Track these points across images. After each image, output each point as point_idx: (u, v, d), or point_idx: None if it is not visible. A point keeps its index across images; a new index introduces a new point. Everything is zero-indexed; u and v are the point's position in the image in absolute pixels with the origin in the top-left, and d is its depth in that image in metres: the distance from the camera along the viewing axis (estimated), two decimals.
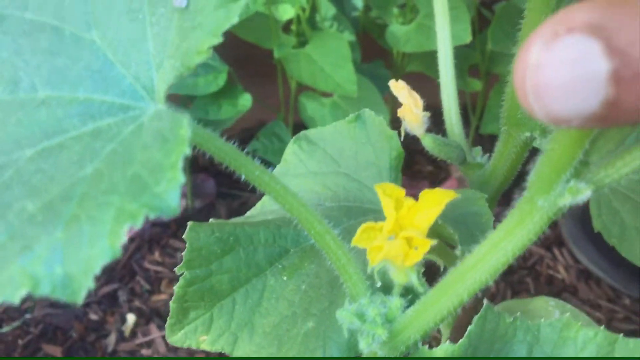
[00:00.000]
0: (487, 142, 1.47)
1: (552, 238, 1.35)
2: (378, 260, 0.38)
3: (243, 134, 1.45)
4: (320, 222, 0.42)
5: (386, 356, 0.42)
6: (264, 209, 0.64)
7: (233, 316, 0.50)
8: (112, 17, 0.38)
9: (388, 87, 0.57)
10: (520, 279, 1.27)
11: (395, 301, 0.40)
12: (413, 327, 0.40)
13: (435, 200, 0.38)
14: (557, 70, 0.21)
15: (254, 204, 1.53)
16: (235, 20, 0.33)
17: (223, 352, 0.50)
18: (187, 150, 0.28)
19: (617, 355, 0.42)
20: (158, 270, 1.24)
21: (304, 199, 0.62)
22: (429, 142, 0.63)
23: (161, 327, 1.13)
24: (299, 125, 1.29)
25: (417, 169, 1.52)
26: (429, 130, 0.63)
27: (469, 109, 1.40)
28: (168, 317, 0.50)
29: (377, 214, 0.60)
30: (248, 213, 0.63)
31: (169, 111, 0.33)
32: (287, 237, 0.54)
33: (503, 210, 0.43)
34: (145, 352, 1.09)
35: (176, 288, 0.49)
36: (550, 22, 0.21)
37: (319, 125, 1.20)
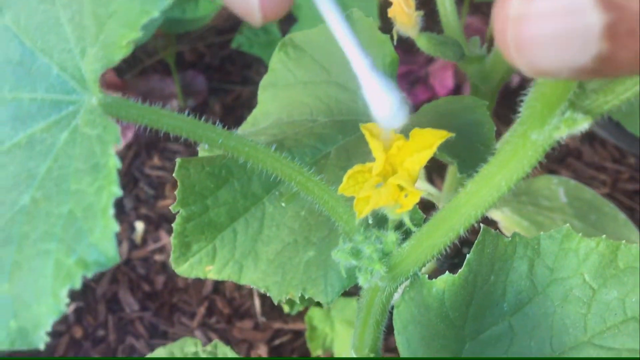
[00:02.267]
0: (485, 7, 1.39)
1: None
2: (366, 212, 0.37)
3: (226, 24, 1.38)
4: (300, 171, 0.40)
5: (387, 287, 0.42)
6: (255, 126, 0.61)
7: (236, 245, 0.50)
8: None
9: None
10: None
11: (391, 235, 0.39)
12: (410, 260, 0.40)
13: (426, 142, 0.36)
14: (542, 22, 0.19)
15: (247, 97, 1.48)
16: (155, 14, 0.29)
17: (230, 279, 0.51)
18: (118, 192, 0.27)
19: (619, 263, 0.41)
20: (159, 175, 1.24)
21: (296, 113, 0.60)
22: (424, 43, 0.59)
23: (171, 232, 1.14)
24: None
25: (412, 41, 1.46)
26: (423, 29, 0.59)
27: None
28: (171, 252, 0.50)
29: None
30: (239, 131, 0.60)
31: (102, 115, 0.31)
32: None
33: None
34: (158, 257, 1.12)
35: (174, 225, 0.48)
36: None
37: (303, 10, 1.13)
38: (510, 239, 0.41)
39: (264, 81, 0.63)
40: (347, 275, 0.45)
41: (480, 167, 0.38)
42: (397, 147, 0.36)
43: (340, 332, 0.99)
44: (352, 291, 1.09)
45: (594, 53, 0.18)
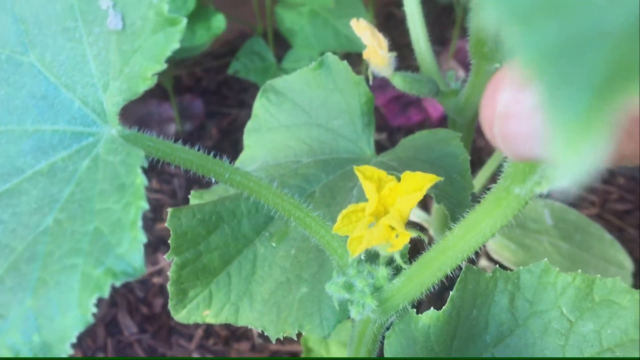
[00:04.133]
0: None
1: None
2: (359, 251, 0.39)
3: (222, 49, 1.41)
4: (299, 206, 0.43)
5: (377, 319, 0.44)
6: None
7: (231, 288, 0.52)
8: (47, 37, 0.36)
9: None
10: None
11: (382, 270, 0.42)
12: (400, 294, 0.42)
13: (417, 185, 0.39)
14: (522, 122, 0.21)
15: (243, 121, 1.51)
16: (176, 46, 0.32)
17: (228, 322, 0.53)
18: (145, 205, 0.29)
19: (595, 296, 0.44)
20: (157, 197, 1.26)
21: (280, 156, 0.62)
22: (399, 82, 0.62)
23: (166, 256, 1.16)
24: (280, 38, 1.26)
25: (405, 64, 1.49)
26: (399, 67, 0.62)
27: None
28: (169, 299, 0.52)
29: (355, 163, 0.60)
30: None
31: (123, 143, 0.33)
32: None
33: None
34: (156, 280, 1.14)
35: (170, 273, 0.50)
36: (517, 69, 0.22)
37: (299, 37, 1.16)
38: (491, 274, 0.44)
39: (249, 126, 0.66)
40: (340, 308, 0.47)
41: (457, 198, 0.40)
42: (389, 188, 0.39)
43: (336, 354, 1.00)
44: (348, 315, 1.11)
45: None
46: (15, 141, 0.34)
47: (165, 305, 1.12)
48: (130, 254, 0.28)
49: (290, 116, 0.64)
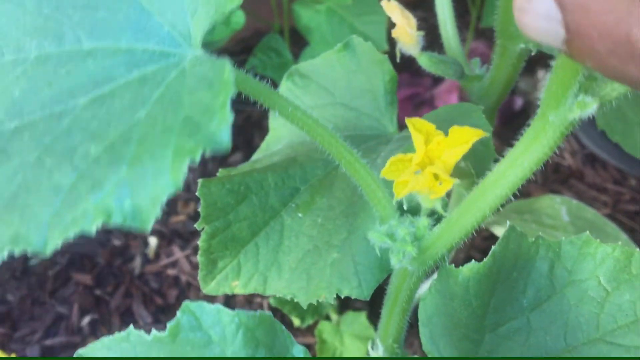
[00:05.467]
0: (489, 32, 1.44)
1: None
2: (403, 194, 0.41)
3: (237, 47, 1.43)
4: (350, 151, 0.44)
5: (415, 271, 0.45)
6: (268, 150, 0.65)
7: (259, 259, 0.53)
8: None
9: None
10: None
11: (423, 221, 0.43)
12: (440, 243, 0.43)
13: (464, 138, 0.40)
14: (534, 17, 0.27)
15: (257, 118, 1.52)
16: None
17: (256, 292, 0.53)
18: (234, 91, 0.31)
19: (633, 268, 0.44)
20: None
21: (305, 135, 0.63)
22: (425, 61, 0.63)
23: (183, 247, 1.17)
24: (296, 35, 1.27)
25: (419, 65, 1.50)
26: (425, 47, 0.63)
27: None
28: (199, 270, 0.52)
29: (378, 139, 0.61)
30: (254, 157, 0.64)
31: (207, 57, 0.36)
32: (295, 177, 0.56)
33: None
34: (170, 272, 1.14)
35: (200, 242, 0.51)
36: None
37: (315, 34, 1.18)
38: (534, 239, 0.44)
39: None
40: (379, 267, 0.48)
41: (480, 167, 0.41)
42: (437, 142, 0.40)
43: (350, 346, 1.01)
44: (361, 306, 1.11)
45: (560, 39, 0.26)
46: (110, 56, 0.37)
47: (179, 296, 1.12)
48: (219, 131, 0.29)
49: (315, 97, 0.65)
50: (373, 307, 1.08)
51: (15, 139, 0.33)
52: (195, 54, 0.36)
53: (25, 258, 1.17)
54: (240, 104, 1.40)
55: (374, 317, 1.04)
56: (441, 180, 0.39)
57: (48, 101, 0.34)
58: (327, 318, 1.06)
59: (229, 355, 0.35)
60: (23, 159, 0.32)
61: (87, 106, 0.33)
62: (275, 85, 1.38)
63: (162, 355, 0.36)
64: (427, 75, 1.48)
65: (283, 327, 0.36)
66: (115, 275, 1.16)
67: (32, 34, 0.38)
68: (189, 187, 1.27)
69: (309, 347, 1.04)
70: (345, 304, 1.09)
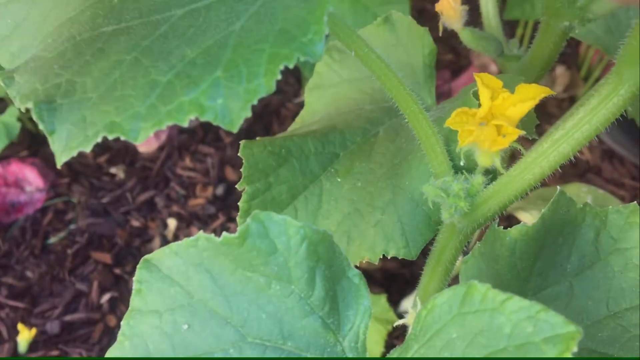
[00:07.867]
0: (506, 27, 1.44)
1: None
2: (467, 142, 0.41)
3: None
4: (416, 103, 0.44)
5: (464, 228, 0.46)
6: (304, 123, 0.65)
7: None
8: None
9: None
10: None
11: (478, 178, 0.44)
12: (493, 200, 0.44)
13: (530, 94, 0.40)
14: None
15: (275, 106, 1.52)
16: None
17: None
18: (331, 8, 0.32)
19: None
20: (191, 175, 1.27)
21: (343, 106, 0.64)
22: (466, 36, 0.63)
23: (202, 230, 1.17)
24: None
25: (437, 57, 1.50)
26: (466, 24, 0.63)
27: None
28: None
29: None
30: (290, 128, 0.65)
31: None
32: (334, 143, 0.56)
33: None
34: None
35: (240, 203, 0.51)
36: None
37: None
38: (581, 206, 0.45)
39: (310, 84, 0.68)
40: (426, 225, 0.48)
41: None
42: (502, 98, 0.40)
43: (370, 328, 1.01)
44: (379, 291, 1.11)
45: None
46: None
47: None
48: (313, 41, 0.31)
49: (353, 71, 0.66)
50: (391, 290, 1.09)
51: (113, 40, 0.35)
52: None
53: (44, 236, 1.18)
54: None
55: (392, 301, 1.05)
56: (505, 133, 0.40)
57: (145, 10, 0.36)
58: None
59: (291, 265, 0.36)
60: (120, 57, 0.33)
61: (183, 17, 0.35)
62: (291, 74, 1.39)
63: (228, 260, 0.37)
64: (444, 67, 1.49)
65: (341, 249, 0.37)
66: (134, 255, 1.16)
67: None
68: (207, 172, 1.28)
69: None
70: None
